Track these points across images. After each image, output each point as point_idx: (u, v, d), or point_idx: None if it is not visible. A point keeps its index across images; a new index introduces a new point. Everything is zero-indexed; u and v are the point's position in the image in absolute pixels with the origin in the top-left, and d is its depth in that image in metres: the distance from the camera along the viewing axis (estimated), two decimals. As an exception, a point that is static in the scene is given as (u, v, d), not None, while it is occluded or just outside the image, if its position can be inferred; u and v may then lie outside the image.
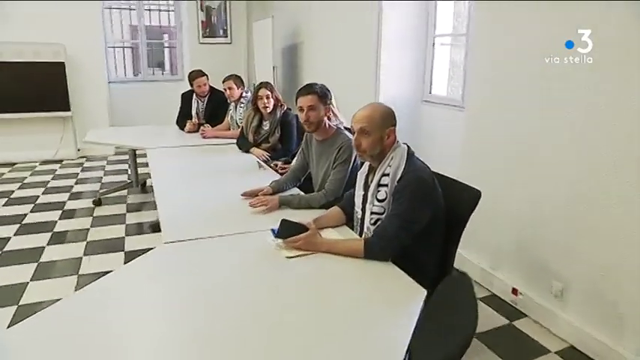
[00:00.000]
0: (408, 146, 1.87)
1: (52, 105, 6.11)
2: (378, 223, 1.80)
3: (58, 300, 1.50)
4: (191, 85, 4.56)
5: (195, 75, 4.52)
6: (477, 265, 3.03)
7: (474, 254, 3.08)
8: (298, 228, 1.79)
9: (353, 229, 1.99)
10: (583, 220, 2.31)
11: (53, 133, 6.32)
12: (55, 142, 6.35)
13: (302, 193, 2.49)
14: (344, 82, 4.53)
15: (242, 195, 2.39)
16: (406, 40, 4.05)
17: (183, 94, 4.79)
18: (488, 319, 2.63)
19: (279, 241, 1.80)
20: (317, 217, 2.00)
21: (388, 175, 1.80)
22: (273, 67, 5.92)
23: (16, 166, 6.06)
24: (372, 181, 1.86)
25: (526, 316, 2.63)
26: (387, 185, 1.79)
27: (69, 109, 6.19)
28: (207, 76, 4.57)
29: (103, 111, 6.58)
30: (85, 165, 6.14)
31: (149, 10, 7.19)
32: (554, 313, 2.48)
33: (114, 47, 7.12)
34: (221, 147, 3.88)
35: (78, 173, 5.73)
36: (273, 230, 1.83)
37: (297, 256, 1.73)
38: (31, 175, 5.64)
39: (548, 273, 2.52)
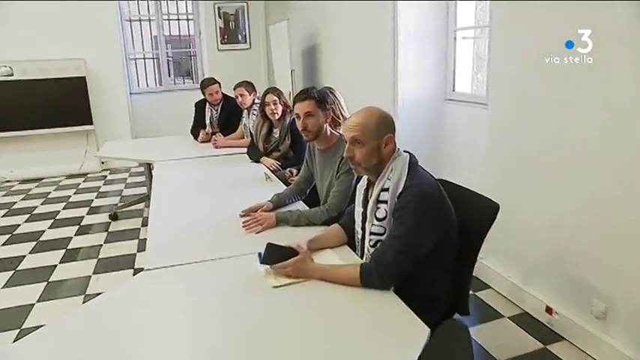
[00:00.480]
0: (410, 155, 1.63)
1: (75, 119, 6.17)
2: (378, 245, 1.57)
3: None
4: (203, 93, 4.44)
5: (206, 83, 4.40)
6: (507, 279, 2.74)
7: (502, 267, 2.80)
8: (287, 252, 1.58)
9: (355, 250, 1.77)
10: (624, 230, 2.00)
11: (77, 147, 6.37)
12: (79, 156, 6.39)
13: (304, 208, 2.29)
14: (362, 83, 4.31)
15: (241, 214, 2.20)
16: (425, 36, 3.79)
17: (196, 103, 4.68)
18: (519, 341, 2.34)
19: (267, 267, 1.59)
20: (313, 237, 1.79)
21: (387, 190, 1.56)
22: (291, 71, 5.74)
23: (43, 181, 6.12)
24: (370, 197, 1.63)
25: (563, 338, 2.32)
26: (386, 202, 1.56)
27: (91, 123, 6.23)
28: (219, 83, 4.44)
29: (125, 123, 6.59)
30: (107, 178, 6.15)
31: (168, 19, 7.15)
32: (596, 336, 2.17)
33: (135, 59, 7.12)
34: (232, 157, 3.73)
35: (100, 187, 5.73)
36: (260, 254, 1.63)
37: (285, 284, 1.53)
38: (55, 190, 5.67)
39: (588, 290, 2.21)
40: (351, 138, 1.59)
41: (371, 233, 1.61)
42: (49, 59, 5.90)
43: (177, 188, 2.88)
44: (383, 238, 1.57)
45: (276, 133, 3.49)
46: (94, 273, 3.31)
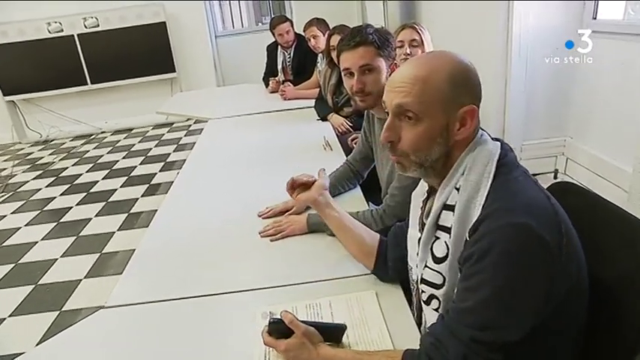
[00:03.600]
0: (503, 146, 0.86)
1: (158, 67, 5.94)
2: (434, 304, 0.89)
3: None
4: (273, 34, 3.81)
5: (275, 22, 3.75)
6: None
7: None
8: (289, 331, 0.94)
9: (409, 296, 1.09)
10: None
11: (163, 96, 6.16)
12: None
13: (360, 201, 1.62)
14: (469, 12, 3.36)
15: (260, 214, 1.60)
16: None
17: (268, 47, 4.08)
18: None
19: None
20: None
21: (453, 209, 0.85)
22: (383, 2, 4.84)
23: (132, 131, 6.12)
24: (426, 216, 0.93)
25: None
26: (449, 230, 0.85)
27: (174, 70, 5.97)
28: (290, 21, 3.77)
29: (209, 69, 6.22)
30: (191, 128, 5.93)
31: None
32: None
33: (219, -1, 6.65)
34: (297, 112, 3.10)
35: (181, 138, 5.53)
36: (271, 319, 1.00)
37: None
38: (140, 141, 5.59)
39: None
40: (397, 106, 0.86)
41: (422, 280, 0.92)
42: (128, 6, 5.63)
43: (211, 160, 2.33)
44: (440, 294, 0.88)
45: (347, 83, 2.78)
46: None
